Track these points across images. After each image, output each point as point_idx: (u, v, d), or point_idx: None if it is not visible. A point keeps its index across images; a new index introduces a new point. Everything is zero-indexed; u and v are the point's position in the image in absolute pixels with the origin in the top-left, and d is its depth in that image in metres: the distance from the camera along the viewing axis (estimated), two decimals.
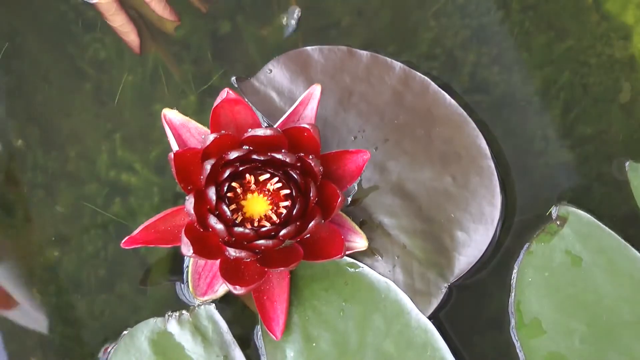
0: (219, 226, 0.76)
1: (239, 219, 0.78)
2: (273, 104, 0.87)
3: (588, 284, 0.83)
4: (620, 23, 0.91)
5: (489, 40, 0.90)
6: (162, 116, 0.80)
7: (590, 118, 0.89)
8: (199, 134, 0.80)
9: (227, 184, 0.78)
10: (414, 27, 0.91)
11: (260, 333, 0.83)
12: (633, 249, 0.83)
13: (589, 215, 0.84)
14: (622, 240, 0.83)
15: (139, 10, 0.90)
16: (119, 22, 0.89)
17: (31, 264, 0.86)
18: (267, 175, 0.79)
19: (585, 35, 0.91)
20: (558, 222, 0.84)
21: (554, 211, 0.84)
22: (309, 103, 0.82)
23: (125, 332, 0.82)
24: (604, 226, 0.84)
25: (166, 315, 0.82)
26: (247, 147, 0.78)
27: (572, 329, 0.82)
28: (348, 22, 0.91)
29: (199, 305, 0.82)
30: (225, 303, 0.84)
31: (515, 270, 0.84)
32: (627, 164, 0.87)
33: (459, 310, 0.85)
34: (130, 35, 0.89)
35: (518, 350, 0.83)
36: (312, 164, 0.77)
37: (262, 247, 0.77)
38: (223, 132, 0.78)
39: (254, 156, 0.78)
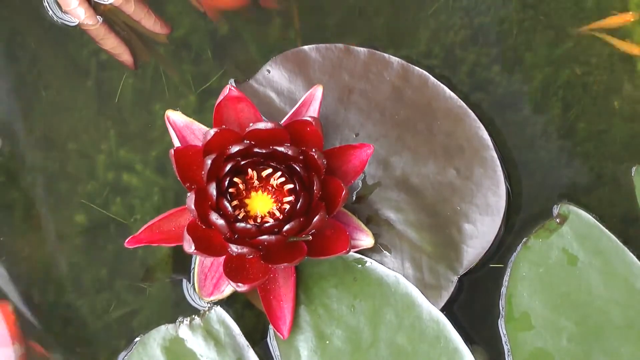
0: (220, 222, 0.76)
1: (242, 215, 0.78)
2: (273, 105, 0.88)
3: (582, 283, 0.83)
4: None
5: (489, 39, 0.91)
6: (166, 118, 0.81)
7: (590, 117, 0.89)
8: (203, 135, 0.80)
9: (228, 179, 0.78)
10: (414, 26, 0.91)
11: (272, 333, 0.82)
12: (630, 254, 0.83)
13: (589, 216, 0.84)
14: (620, 244, 0.83)
15: (130, 24, 0.91)
16: (111, 44, 0.90)
17: (31, 263, 0.86)
18: (270, 170, 0.79)
19: (585, 35, 0.91)
20: (558, 220, 0.84)
21: (555, 209, 0.84)
22: (310, 104, 0.82)
23: (137, 339, 0.82)
24: (603, 227, 0.83)
25: (177, 321, 0.82)
26: (249, 142, 0.78)
27: (561, 327, 0.82)
28: (348, 21, 0.91)
29: (209, 308, 0.82)
30: (231, 303, 0.84)
31: (510, 263, 0.84)
32: (633, 168, 0.87)
33: (471, 302, 0.85)
34: (123, 55, 0.90)
35: (504, 343, 0.83)
36: (316, 157, 0.77)
37: (265, 243, 0.77)
38: (224, 127, 0.78)
39: (256, 149, 0.78)
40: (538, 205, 0.87)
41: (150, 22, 0.90)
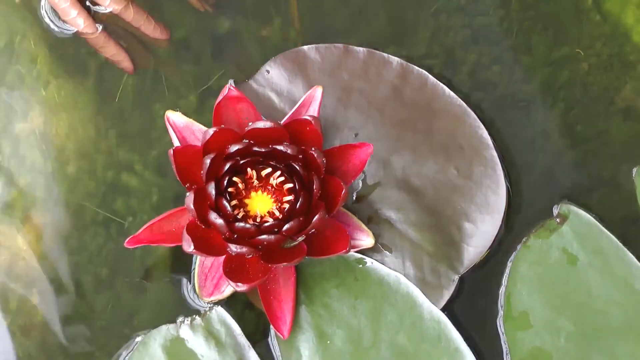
0: (219, 221, 0.76)
1: (241, 214, 0.78)
2: (272, 106, 0.88)
3: (581, 284, 0.83)
4: (620, 23, 0.91)
5: (489, 40, 0.91)
6: (166, 118, 0.81)
7: (590, 117, 0.89)
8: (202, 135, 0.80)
9: (227, 178, 0.78)
10: (414, 26, 0.91)
11: (273, 333, 0.82)
12: (630, 254, 0.83)
13: (589, 216, 0.84)
14: (620, 244, 0.83)
15: (130, 30, 0.91)
16: (110, 52, 0.90)
17: (31, 263, 0.86)
18: (269, 170, 0.79)
19: (585, 35, 0.91)
20: (558, 220, 0.84)
21: (555, 209, 0.84)
22: (310, 105, 0.82)
23: (138, 338, 0.82)
24: (603, 228, 0.83)
25: (178, 321, 0.82)
26: (248, 141, 0.78)
27: (559, 327, 0.82)
28: (349, 21, 0.91)
29: (209, 308, 0.82)
30: (231, 303, 0.84)
31: (509, 262, 0.84)
32: (634, 169, 0.87)
33: (471, 302, 0.85)
34: (123, 62, 0.90)
35: (502, 342, 0.83)
36: (315, 155, 0.77)
37: (265, 243, 0.77)
38: (223, 126, 0.78)
39: (255, 149, 0.78)
40: (538, 205, 0.87)
41: (149, 28, 0.90)
